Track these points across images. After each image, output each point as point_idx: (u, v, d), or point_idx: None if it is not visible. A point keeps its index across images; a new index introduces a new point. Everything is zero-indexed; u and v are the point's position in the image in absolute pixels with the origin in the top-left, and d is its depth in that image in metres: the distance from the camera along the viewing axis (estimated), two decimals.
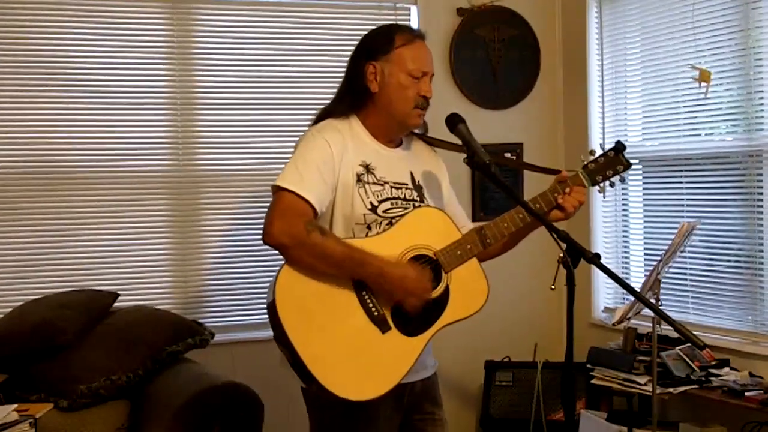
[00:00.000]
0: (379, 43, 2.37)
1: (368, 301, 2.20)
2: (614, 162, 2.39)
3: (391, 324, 2.21)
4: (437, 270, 2.27)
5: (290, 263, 2.18)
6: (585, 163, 2.40)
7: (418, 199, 2.41)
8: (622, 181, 2.41)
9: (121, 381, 3.26)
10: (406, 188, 2.40)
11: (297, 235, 2.15)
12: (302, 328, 2.14)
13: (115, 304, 3.59)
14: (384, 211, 2.33)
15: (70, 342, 3.29)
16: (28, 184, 3.85)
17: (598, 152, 2.42)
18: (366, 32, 2.47)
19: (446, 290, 2.27)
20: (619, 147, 2.39)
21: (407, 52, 2.35)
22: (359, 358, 2.17)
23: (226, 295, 4.15)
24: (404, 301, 2.20)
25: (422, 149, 2.54)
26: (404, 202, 2.37)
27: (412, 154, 2.48)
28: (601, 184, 2.41)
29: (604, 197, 2.46)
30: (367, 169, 2.34)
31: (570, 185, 2.36)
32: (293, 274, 2.17)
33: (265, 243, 2.18)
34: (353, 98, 2.39)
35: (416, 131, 2.51)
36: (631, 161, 4.39)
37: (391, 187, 2.36)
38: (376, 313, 2.20)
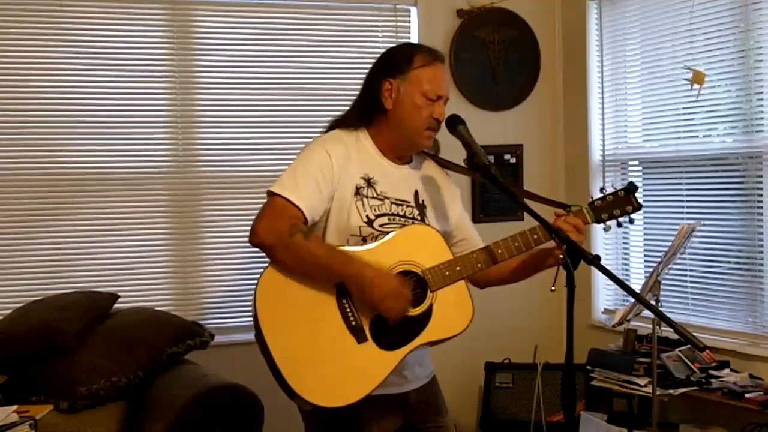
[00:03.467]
0: (398, 61, 2.36)
1: (347, 308, 2.19)
2: (623, 201, 2.33)
3: (368, 335, 2.18)
4: (423, 288, 2.25)
5: (274, 264, 2.19)
6: (592, 200, 2.35)
7: (419, 218, 2.38)
8: (631, 222, 2.36)
9: (121, 382, 3.26)
10: (408, 206, 2.38)
11: (279, 235, 2.16)
12: (278, 330, 2.15)
13: (115, 306, 3.60)
14: (380, 226, 2.31)
15: (70, 343, 3.29)
16: (28, 185, 3.85)
17: (607, 191, 2.36)
18: (388, 47, 2.46)
19: (429, 309, 2.24)
20: (631, 188, 2.34)
21: (425, 74, 2.33)
22: (331, 365, 2.16)
23: (226, 297, 4.15)
24: (382, 307, 2.15)
25: (433, 170, 2.51)
26: (403, 219, 2.35)
27: (420, 174, 2.46)
28: (607, 223, 2.35)
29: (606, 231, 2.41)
30: (369, 182, 2.33)
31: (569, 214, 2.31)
32: (275, 276, 2.19)
33: (250, 242, 2.21)
34: (366, 111, 2.39)
35: (427, 151, 2.49)
36: (631, 162, 4.43)
37: (392, 203, 2.35)
38: (353, 322, 2.18)
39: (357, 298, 2.19)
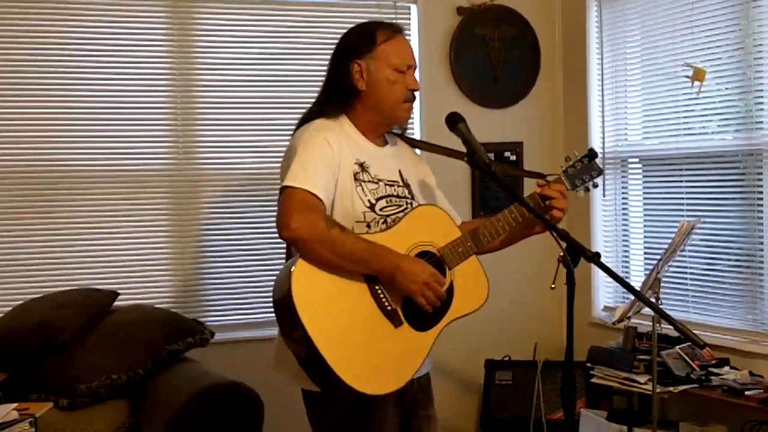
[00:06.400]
0: (361, 42, 2.40)
1: (381, 294, 2.21)
2: (589, 168, 2.45)
3: (403, 318, 2.23)
4: (440, 267, 2.29)
5: (305, 257, 2.16)
6: (564, 167, 2.44)
7: (410, 196, 2.43)
8: (595, 186, 2.48)
9: (121, 380, 3.26)
10: (398, 185, 2.42)
11: (315, 228, 2.15)
12: (318, 322, 2.12)
13: (115, 303, 3.59)
14: (381, 209, 2.34)
15: (70, 341, 3.29)
16: (27, 182, 3.85)
17: (573, 158, 2.47)
18: (344, 32, 2.48)
19: (451, 287, 2.31)
20: (593, 154, 2.45)
21: (390, 48, 2.38)
22: (373, 352, 2.18)
23: (227, 294, 4.15)
24: (418, 297, 2.20)
25: (405, 149, 2.58)
26: (398, 200, 2.39)
27: (398, 153, 2.51)
28: (579, 189, 2.45)
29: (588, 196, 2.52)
30: (362, 167, 2.35)
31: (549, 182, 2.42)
32: (308, 268, 2.16)
33: (282, 237, 2.18)
34: (341, 98, 2.41)
35: (396, 131, 2.53)
36: (631, 160, 4.43)
37: (385, 184, 2.39)
38: (388, 307, 2.21)
39: (390, 287, 2.21)
